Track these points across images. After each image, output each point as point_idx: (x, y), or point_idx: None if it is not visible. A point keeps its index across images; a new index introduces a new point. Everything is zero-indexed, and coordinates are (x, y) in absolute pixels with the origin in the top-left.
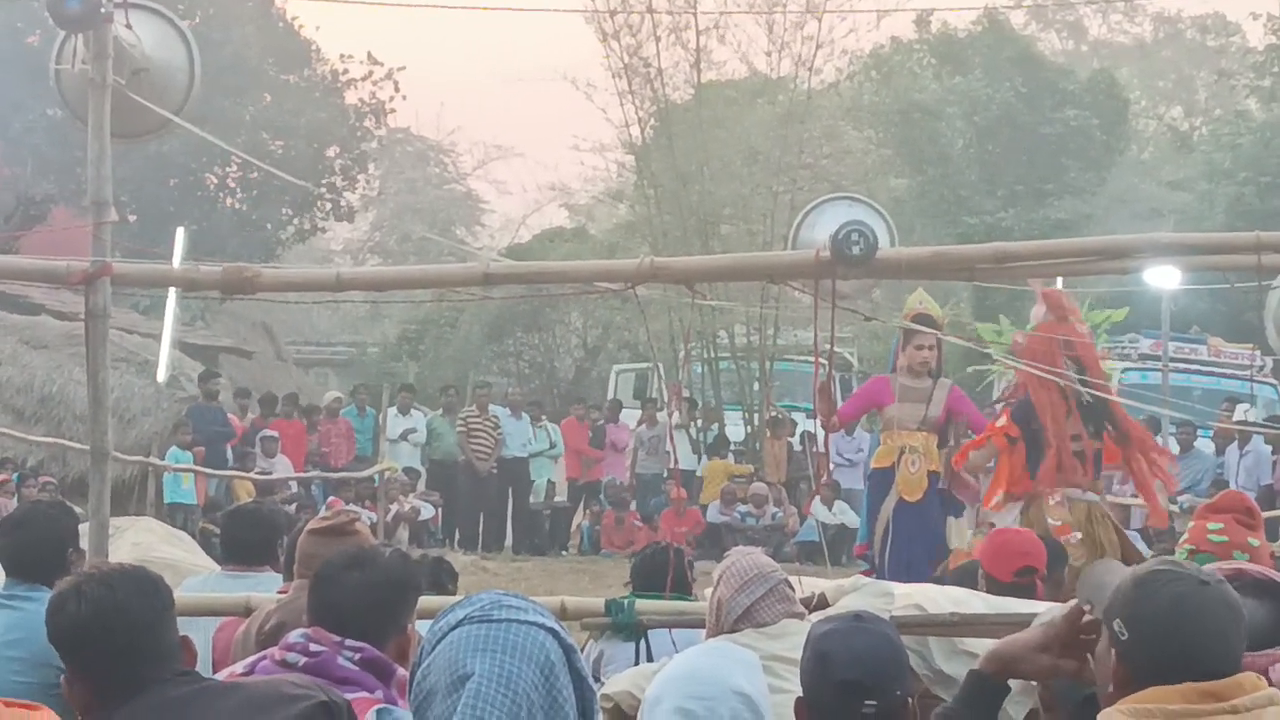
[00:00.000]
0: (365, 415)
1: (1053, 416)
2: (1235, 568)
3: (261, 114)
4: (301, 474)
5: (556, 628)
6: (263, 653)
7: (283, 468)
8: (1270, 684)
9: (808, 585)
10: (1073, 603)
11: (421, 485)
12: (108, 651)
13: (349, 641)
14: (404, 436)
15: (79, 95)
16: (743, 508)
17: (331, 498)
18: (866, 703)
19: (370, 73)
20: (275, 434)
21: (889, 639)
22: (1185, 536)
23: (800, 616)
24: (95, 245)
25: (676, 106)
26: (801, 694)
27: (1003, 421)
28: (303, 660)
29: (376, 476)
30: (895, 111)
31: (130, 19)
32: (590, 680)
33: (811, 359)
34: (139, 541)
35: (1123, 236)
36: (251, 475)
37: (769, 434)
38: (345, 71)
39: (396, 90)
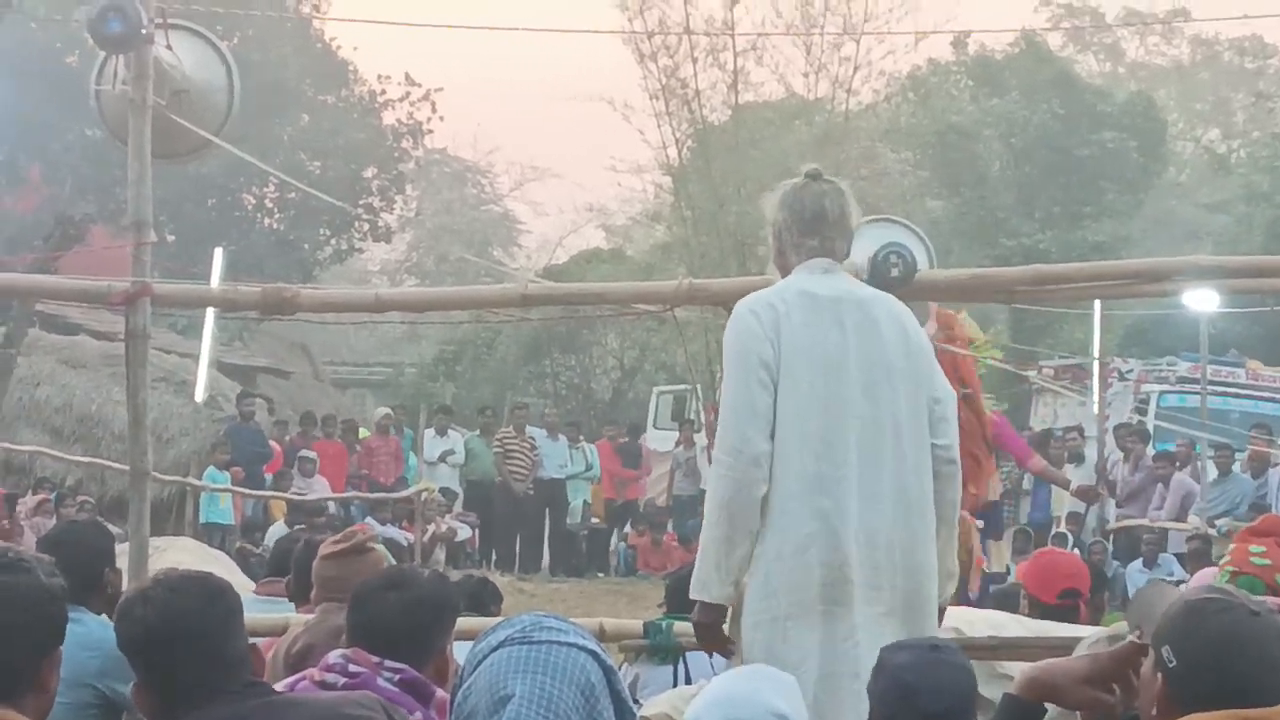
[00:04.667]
0: (403, 436)
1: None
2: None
3: (299, 134)
4: (338, 494)
5: (597, 649)
6: (301, 674)
7: (320, 489)
8: None
9: None
10: (1125, 641)
11: (458, 506)
12: (173, 657)
13: (388, 662)
14: (442, 458)
15: (119, 116)
16: None
17: (362, 521)
18: None
19: (408, 93)
20: (314, 454)
21: (967, 670)
22: (1226, 559)
23: None
24: (135, 266)
25: (714, 128)
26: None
27: None
28: (342, 681)
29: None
30: (932, 133)
31: (170, 40)
32: (630, 702)
33: None
34: (177, 561)
35: (1162, 259)
36: (288, 495)
37: None
38: (383, 92)
39: (434, 111)
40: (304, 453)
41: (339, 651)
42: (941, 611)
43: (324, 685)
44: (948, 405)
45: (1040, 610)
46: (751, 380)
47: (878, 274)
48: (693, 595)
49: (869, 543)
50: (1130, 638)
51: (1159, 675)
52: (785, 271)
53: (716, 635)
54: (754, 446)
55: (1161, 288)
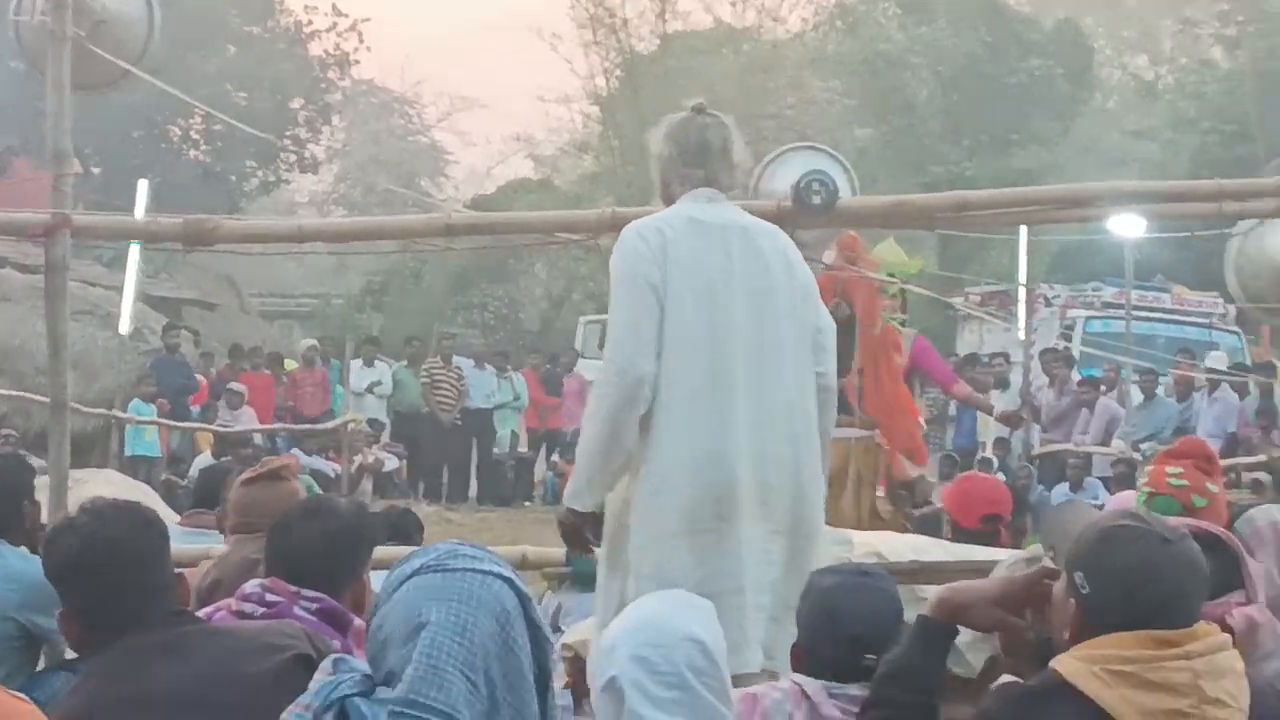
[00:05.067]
0: (329, 367)
1: None
2: (1181, 523)
3: (225, 66)
4: (265, 426)
5: (512, 576)
6: (219, 604)
7: (248, 420)
8: (1229, 630)
9: None
10: (1036, 566)
11: (386, 437)
12: (99, 585)
13: (305, 591)
14: (369, 389)
15: (38, 47)
16: None
17: (289, 452)
18: (868, 656)
19: (334, 24)
20: (241, 387)
21: (892, 595)
22: (1144, 479)
23: None
24: (55, 197)
25: (641, 57)
26: (799, 640)
27: None
28: (259, 610)
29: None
30: (860, 62)
31: None
32: (546, 629)
33: None
34: (100, 493)
35: (1082, 185)
36: (213, 427)
37: None
38: (309, 23)
39: (361, 42)
40: (232, 385)
41: (256, 581)
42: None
43: (242, 615)
44: (828, 335)
45: (961, 535)
46: (638, 302)
47: (800, 201)
48: (565, 504)
49: (758, 461)
50: (1045, 558)
51: (1072, 600)
52: (670, 203)
53: (579, 537)
54: (638, 367)
55: (1083, 213)
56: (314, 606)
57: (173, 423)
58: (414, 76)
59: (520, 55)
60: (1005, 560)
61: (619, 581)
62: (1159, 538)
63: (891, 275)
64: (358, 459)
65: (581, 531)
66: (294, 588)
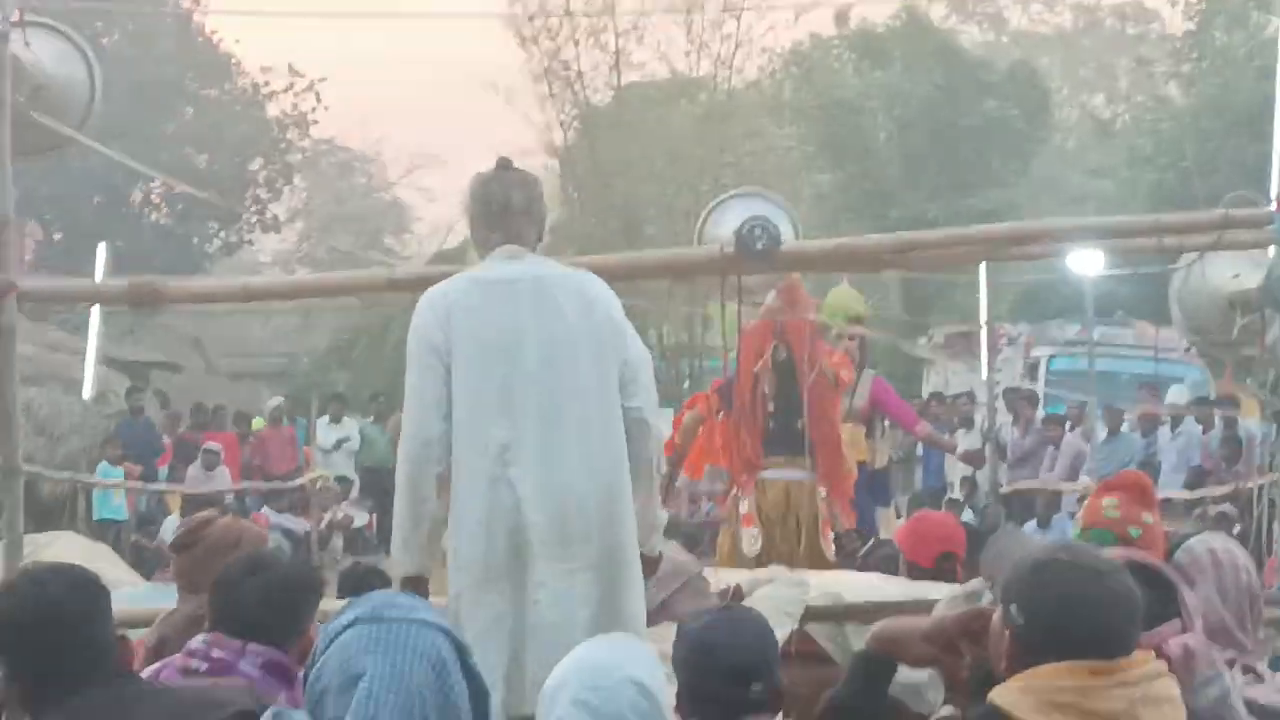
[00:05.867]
0: (296, 425)
1: (739, 395)
2: (1118, 554)
3: (184, 128)
4: (233, 486)
5: (448, 627)
6: (166, 660)
7: (223, 481)
8: (1166, 659)
9: (725, 578)
10: (974, 602)
11: (354, 493)
12: (39, 649)
13: (251, 646)
14: (337, 446)
15: None
16: None
17: (257, 511)
18: (753, 686)
19: (292, 84)
20: (216, 446)
21: (766, 625)
22: (1080, 512)
23: None
24: None
25: (597, 109)
26: (679, 687)
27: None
28: (204, 666)
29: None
30: (817, 107)
31: (29, 37)
32: (483, 679)
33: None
34: (60, 556)
35: (1023, 224)
36: (179, 488)
37: None
38: (267, 84)
39: (319, 101)
40: (208, 445)
41: (201, 636)
42: (651, 563)
43: (188, 671)
44: (637, 368)
45: (918, 574)
46: (423, 367)
47: (743, 246)
48: (392, 571)
49: (556, 504)
50: (985, 590)
51: (1007, 631)
52: (482, 256)
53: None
54: (426, 429)
55: (1026, 251)
56: (259, 660)
57: (138, 484)
58: (374, 134)
59: (478, 110)
60: (947, 595)
61: None
62: (1092, 569)
63: (835, 318)
64: (327, 516)
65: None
66: (239, 642)
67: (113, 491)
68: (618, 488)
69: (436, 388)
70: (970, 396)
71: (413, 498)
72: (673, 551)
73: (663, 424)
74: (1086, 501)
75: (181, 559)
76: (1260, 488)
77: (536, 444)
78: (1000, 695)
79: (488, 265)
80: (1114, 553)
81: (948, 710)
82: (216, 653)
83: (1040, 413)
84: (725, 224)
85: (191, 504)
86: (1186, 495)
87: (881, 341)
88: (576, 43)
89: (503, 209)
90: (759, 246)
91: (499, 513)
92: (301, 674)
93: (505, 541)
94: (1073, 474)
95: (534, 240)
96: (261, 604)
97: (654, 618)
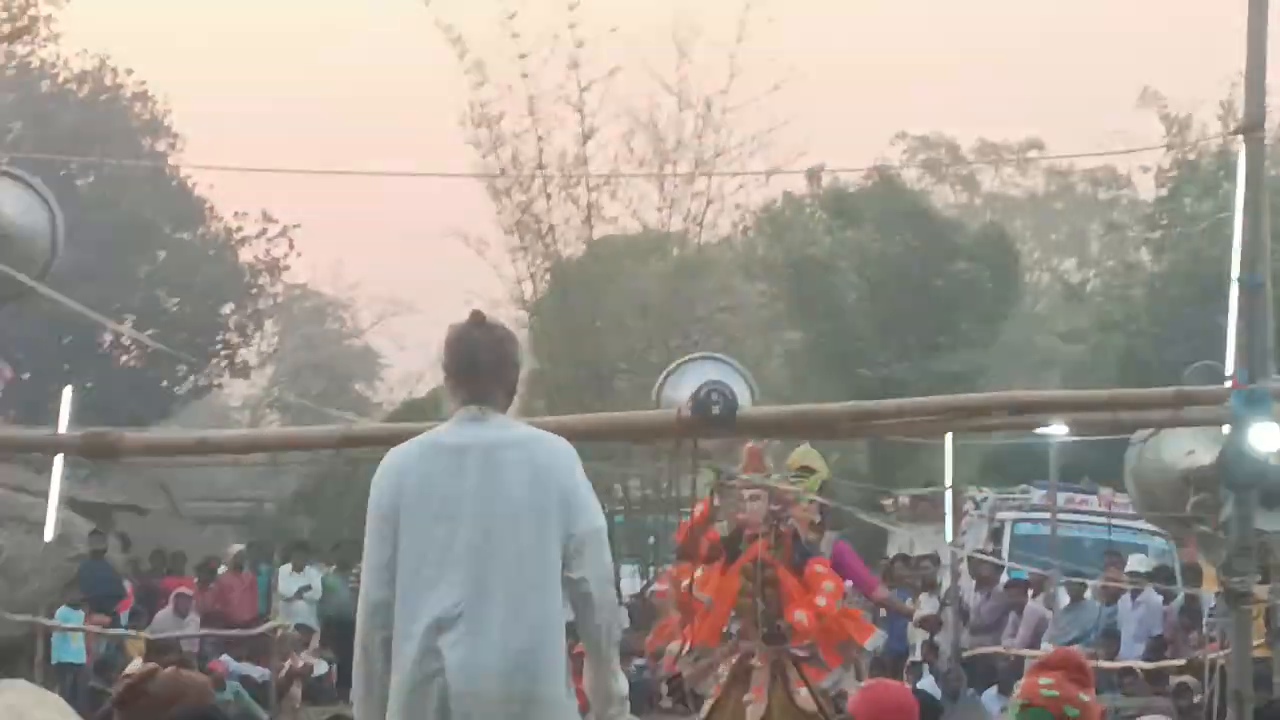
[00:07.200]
0: (259, 572)
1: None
2: None
3: (156, 271)
4: (193, 633)
5: None
6: None
7: (194, 626)
8: None
9: None
10: None
11: (315, 642)
12: None
13: None
14: (299, 594)
15: None
16: (639, 660)
17: (217, 659)
18: None
19: (264, 230)
20: (188, 591)
21: None
22: (1018, 691)
23: None
24: None
25: (568, 262)
26: None
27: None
28: None
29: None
30: (788, 265)
31: None
32: None
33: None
34: (13, 704)
35: (977, 395)
36: (139, 634)
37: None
38: (239, 229)
39: (291, 247)
40: (180, 590)
41: None
42: None
43: None
44: (584, 540)
45: None
46: (374, 533)
47: (700, 411)
48: None
49: (477, 679)
50: None
51: None
52: (450, 410)
53: None
54: (373, 595)
55: (979, 423)
56: None
57: (100, 629)
58: (347, 281)
59: (450, 260)
60: None
61: None
62: None
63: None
64: (287, 664)
65: None
66: None
67: (71, 636)
68: (544, 666)
69: (384, 554)
70: (934, 559)
71: (363, 659)
72: None
73: (612, 593)
74: (1023, 679)
75: (123, 715)
76: (1213, 660)
77: (468, 616)
78: None
79: (446, 428)
80: None
81: None
82: None
83: (1004, 577)
84: (683, 387)
85: (153, 649)
86: (1145, 665)
87: (846, 501)
88: (548, 196)
89: (469, 368)
90: (715, 412)
91: (426, 683)
92: None
93: (435, 707)
94: (1035, 640)
95: (502, 400)
96: None
97: None
